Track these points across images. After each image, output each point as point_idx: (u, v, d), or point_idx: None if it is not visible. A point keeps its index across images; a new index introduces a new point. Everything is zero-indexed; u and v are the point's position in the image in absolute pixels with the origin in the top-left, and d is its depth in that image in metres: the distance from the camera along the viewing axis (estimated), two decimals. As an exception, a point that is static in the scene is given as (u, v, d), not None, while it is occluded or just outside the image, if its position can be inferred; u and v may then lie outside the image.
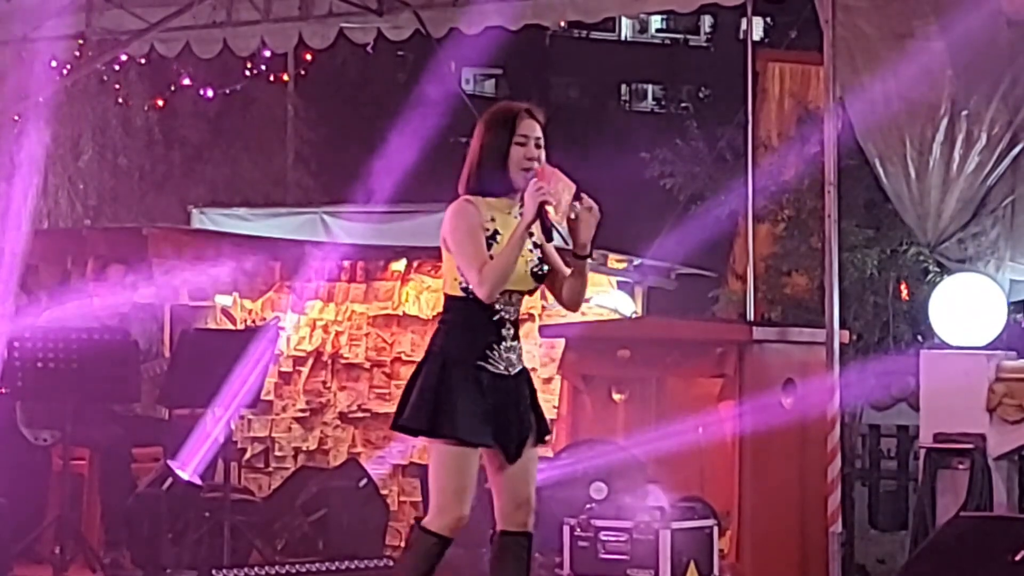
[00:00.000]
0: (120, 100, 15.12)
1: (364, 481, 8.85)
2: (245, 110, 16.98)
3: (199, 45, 10.57)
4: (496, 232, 5.64)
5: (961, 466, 7.77)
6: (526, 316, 9.47)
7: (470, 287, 5.61)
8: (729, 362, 8.00)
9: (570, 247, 5.74)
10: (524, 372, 5.77)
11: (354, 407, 9.94)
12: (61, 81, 11.26)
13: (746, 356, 8.01)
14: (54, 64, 10.95)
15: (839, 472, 7.93)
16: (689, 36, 36.43)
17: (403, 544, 9.00)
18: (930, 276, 8.81)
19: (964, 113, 8.07)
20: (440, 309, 5.87)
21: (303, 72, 14.83)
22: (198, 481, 8.16)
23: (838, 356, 7.92)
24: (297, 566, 8.33)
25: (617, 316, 9.59)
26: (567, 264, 5.81)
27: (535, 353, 9.48)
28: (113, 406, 8.64)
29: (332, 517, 8.64)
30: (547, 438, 5.93)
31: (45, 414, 8.48)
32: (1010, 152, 8.10)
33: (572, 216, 5.61)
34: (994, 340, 7.95)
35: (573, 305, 5.88)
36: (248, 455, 10.13)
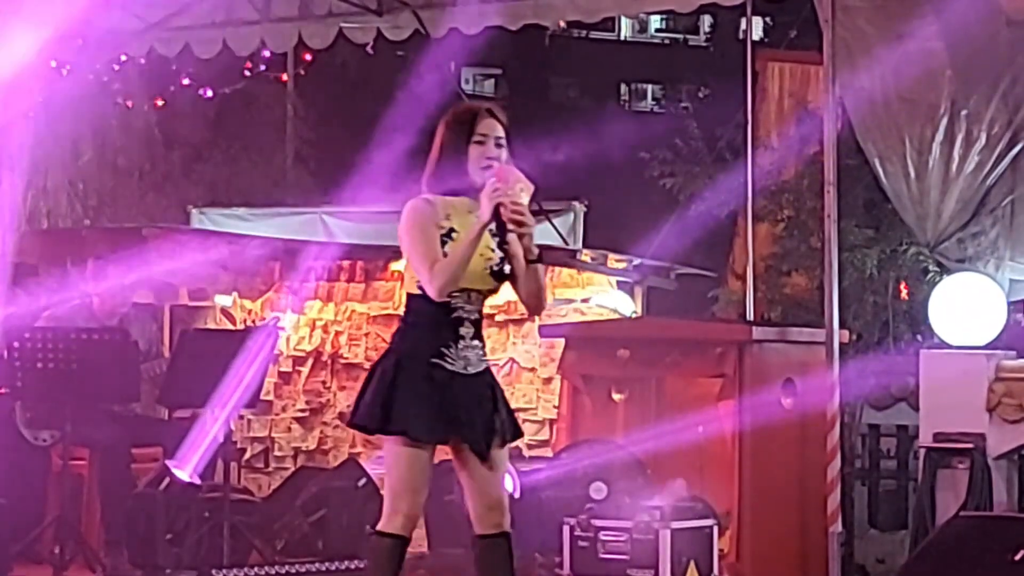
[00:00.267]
0: (119, 100, 15.11)
1: (364, 481, 8.84)
2: (245, 110, 16.97)
3: (199, 45, 10.57)
4: (452, 230, 5.60)
5: (961, 466, 7.77)
6: (525, 316, 9.48)
7: None
8: (729, 362, 8.00)
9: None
10: (486, 372, 5.72)
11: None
12: (61, 81, 11.25)
13: (746, 356, 8.01)
14: (54, 64, 10.95)
15: (839, 472, 7.93)
16: (689, 36, 36.45)
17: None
18: (930, 276, 8.81)
19: (964, 113, 8.07)
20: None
21: (303, 72, 14.81)
22: (198, 481, 8.16)
23: (838, 356, 7.93)
24: (297, 566, 8.34)
25: (617, 316, 9.59)
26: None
27: (535, 353, 9.48)
28: (113, 406, 8.64)
29: (332, 517, 8.64)
30: (515, 441, 5.86)
31: (45, 414, 8.48)
32: (1010, 152, 8.10)
33: (534, 253, 5.58)
34: (994, 340, 7.95)
35: (533, 308, 5.84)
36: (248, 455, 10.13)
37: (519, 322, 9.54)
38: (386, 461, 5.65)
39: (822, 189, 8.13)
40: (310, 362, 10.11)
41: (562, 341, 8.69)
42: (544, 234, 10.58)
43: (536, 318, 9.42)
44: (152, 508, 8.18)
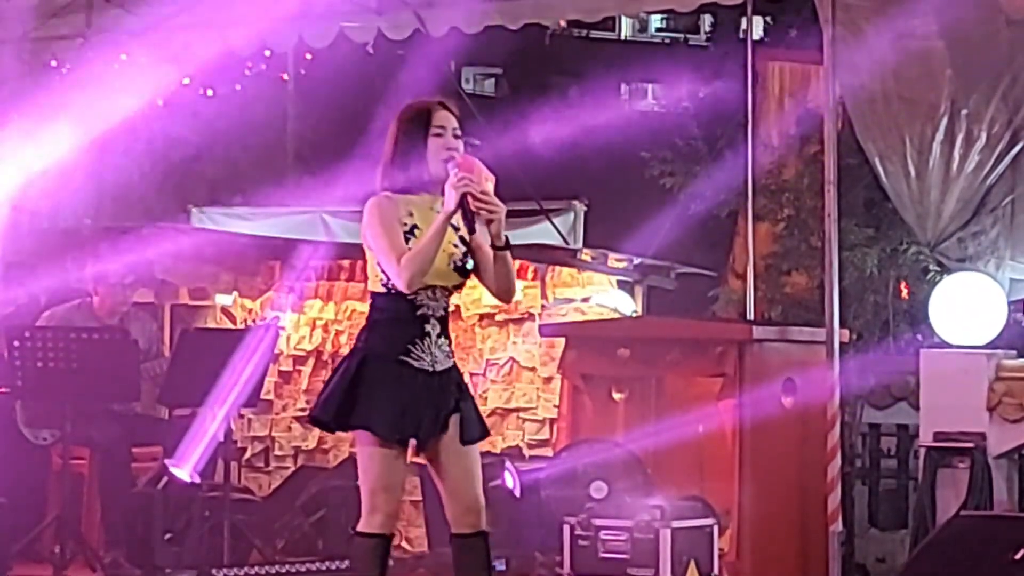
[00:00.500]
0: (119, 100, 15.09)
1: (364, 480, 8.83)
2: (245, 110, 16.96)
3: (199, 44, 10.56)
4: (415, 227, 5.60)
5: (961, 465, 7.77)
6: (525, 315, 9.49)
7: (391, 283, 5.58)
8: (729, 361, 8.00)
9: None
10: (453, 370, 5.71)
11: (354, 406, 9.93)
12: (61, 81, 11.25)
13: (746, 355, 8.01)
14: (54, 64, 10.95)
15: (839, 471, 7.93)
16: (689, 35, 36.42)
17: (402, 543, 9.00)
18: (930, 275, 8.80)
19: (964, 112, 8.07)
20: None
21: (303, 71, 14.81)
22: (198, 480, 8.16)
23: (838, 355, 7.93)
24: (297, 565, 8.34)
25: (617, 315, 9.59)
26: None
27: (535, 352, 9.48)
28: (113, 406, 8.65)
29: (332, 516, 8.64)
30: (482, 440, 5.83)
31: (45, 413, 8.49)
32: (1010, 151, 8.10)
33: (503, 240, 5.57)
34: (994, 339, 7.95)
35: (504, 296, 5.79)
36: (248, 454, 10.13)
37: (519, 321, 9.54)
38: (360, 461, 5.63)
39: (822, 188, 8.13)
40: (311, 361, 10.10)
41: (562, 340, 8.69)
42: (544, 233, 10.58)
43: (536, 318, 9.44)
44: (150, 507, 8.19)
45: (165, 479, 8.17)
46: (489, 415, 9.57)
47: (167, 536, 8.23)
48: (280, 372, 10.05)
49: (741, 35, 10.54)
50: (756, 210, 9.26)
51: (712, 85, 11.31)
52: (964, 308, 7.97)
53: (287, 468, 9.95)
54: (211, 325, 10.03)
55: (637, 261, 10.13)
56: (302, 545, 8.71)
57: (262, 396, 8.96)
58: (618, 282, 10.03)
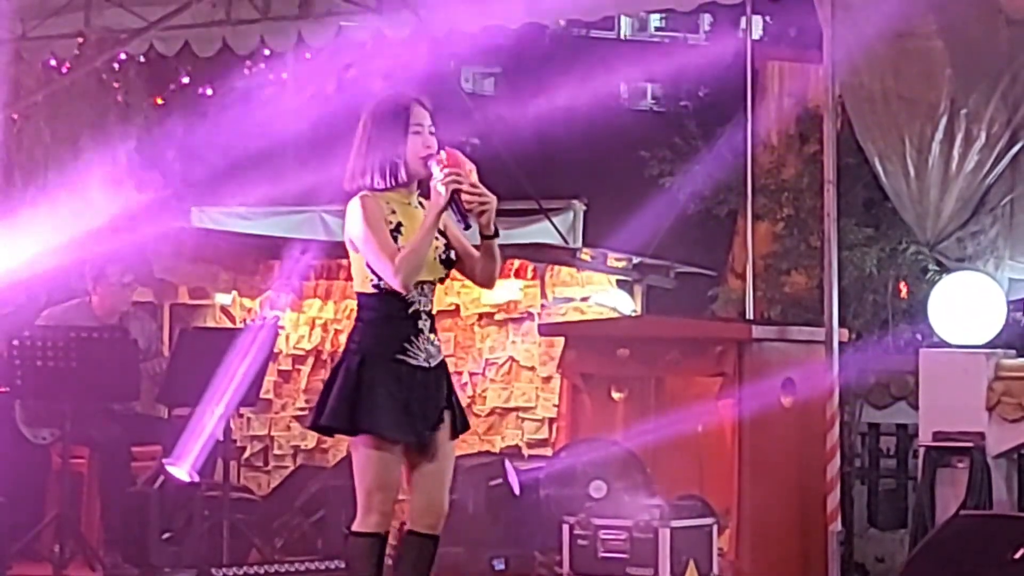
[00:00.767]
0: (119, 99, 15.10)
1: (363, 480, 8.82)
2: (245, 109, 16.94)
3: (198, 44, 10.55)
4: (400, 224, 5.61)
5: (960, 464, 7.76)
6: (524, 315, 9.49)
7: (382, 283, 5.57)
8: (728, 361, 7.99)
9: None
10: (444, 364, 5.75)
11: (353, 406, 9.92)
12: (60, 80, 11.25)
13: (745, 355, 8.01)
14: (53, 63, 10.94)
15: (838, 470, 7.93)
16: (689, 35, 36.41)
17: (400, 543, 9.00)
18: (929, 275, 8.80)
19: (963, 112, 8.06)
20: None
21: (302, 71, 14.79)
22: (197, 479, 8.16)
23: (837, 355, 7.92)
24: (296, 565, 8.34)
25: (616, 315, 9.59)
26: (478, 247, 5.75)
27: (534, 352, 9.48)
28: (112, 405, 8.65)
29: (331, 516, 8.64)
30: (463, 433, 5.87)
31: (45, 413, 8.49)
32: (1009, 151, 8.09)
33: (492, 229, 5.60)
34: (993, 339, 7.95)
35: (487, 283, 5.85)
36: (247, 454, 10.14)
37: (519, 321, 9.54)
38: (356, 462, 5.63)
39: (822, 188, 8.12)
40: (310, 360, 10.11)
41: (562, 340, 8.69)
42: (543, 233, 10.58)
43: (536, 317, 9.44)
44: (146, 506, 8.19)
45: (162, 478, 8.17)
46: (488, 414, 9.59)
47: (167, 535, 8.23)
48: (279, 371, 10.05)
49: (741, 35, 10.51)
50: (755, 209, 9.26)
51: (711, 84, 11.30)
52: (963, 308, 7.96)
53: (286, 467, 9.96)
54: (210, 324, 10.03)
55: (636, 260, 10.13)
56: (301, 544, 8.71)
57: (261, 395, 8.96)
58: (617, 281, 10.03)
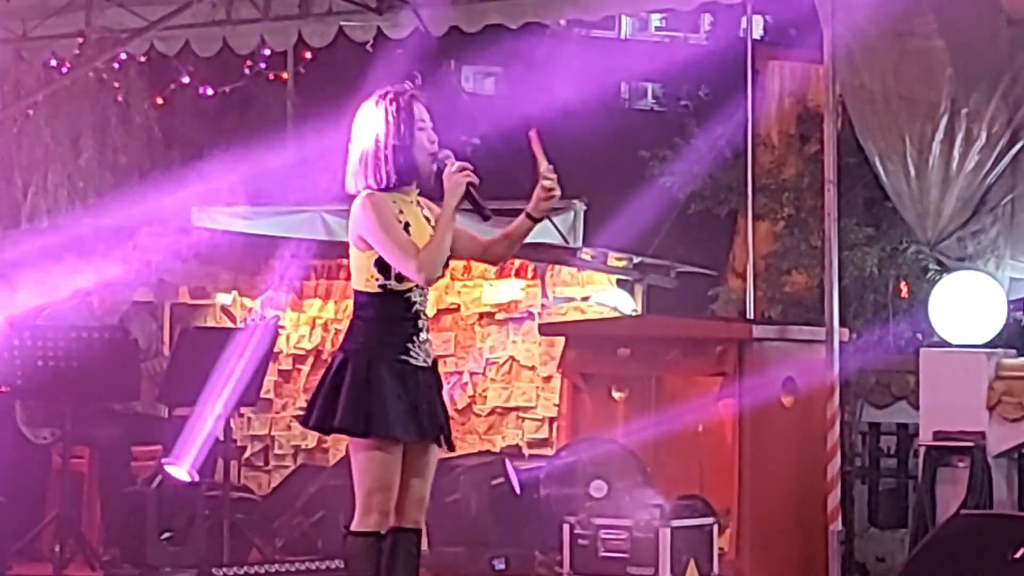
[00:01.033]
0: (120, 98, 15.10)
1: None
2: (245, 109, 16.94)
3: (199, 43, 10.57)
4: (407, 224, 5.61)
5: (961, 464, 7.76)
6: (525, 314, 9.49)
7: (388, 283, 5.58)
8: (729, 360, 7.99)
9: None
10: (436, 364, 5.77)
11: (353, 405, 9.92)
12: (60, 79, 11.25)
13: (746, 354, 8.01)
14: (54, 63, 10.95)
15: (839, 470, 7.93)
16: (689, 34, 36.40)
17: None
18: (930, 274, 8.79)
19: (964, 111, 8.06)
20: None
21: (302, 70, 14.79)
22: (196, 478, 8.16)
23: (838, 354, 7.92)
24: (297, 564, 8.34)
25: (617, 314, 9.59)
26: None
27: (535, 351, 9.48)
28: (113, 405, 8.65)
29: (331, 515, 8.64)
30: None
31: (45, 412, 8.48)
32: (1010, 150, 8.09)
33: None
34: (994, 338, 7.95)
35: (497, 262, 6.06)
36: (248, 453, 10.14)
37: (519, 320, 9.54)
38: (357, 462, 5.62)
39: (822, 187, 8.13)
40: (310, 360, 10.11)
41: (562, 339, 8.69)
42: (544, 232, 10.57)
43: (536, 317, 9.44)
44: (147, 506, 8.18)
45: (160, 478, 8.17)
46: (489, 414, 9.60)
47: (167, 535, 8.23)
48: (280, 371, 10.05)
49: (741, 34, 10.51)
50: (756, 209, 9.26)
51: (711, 84, 11.31)
52: (964, 307, 7.96)
53: (287, 467, 9.96)
54: (211, 324, 10.02)
55: (637, 260, 10.14)
56: (302, 544, 8.71)
57: (262, 395, 8.96)
58: (618, 281, 10.03)
